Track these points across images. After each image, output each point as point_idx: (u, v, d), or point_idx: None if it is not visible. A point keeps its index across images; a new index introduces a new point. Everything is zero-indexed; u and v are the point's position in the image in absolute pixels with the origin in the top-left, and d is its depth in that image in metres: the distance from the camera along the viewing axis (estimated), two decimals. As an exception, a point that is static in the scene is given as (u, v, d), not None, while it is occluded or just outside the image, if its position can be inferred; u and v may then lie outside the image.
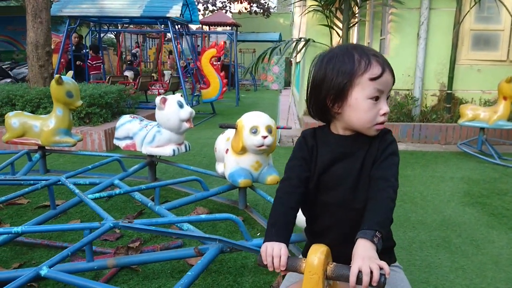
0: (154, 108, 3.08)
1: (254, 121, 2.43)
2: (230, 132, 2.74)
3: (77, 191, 2.22)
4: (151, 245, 2.36)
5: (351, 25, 5.67)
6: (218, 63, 8.09)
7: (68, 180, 2.61)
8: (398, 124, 5.43)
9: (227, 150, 2.64)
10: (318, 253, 0.85)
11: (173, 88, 8.19)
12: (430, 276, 2.07)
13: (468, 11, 5.35)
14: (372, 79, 1.05)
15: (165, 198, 3.13)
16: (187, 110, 2.97)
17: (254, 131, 2.40)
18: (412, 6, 5.62)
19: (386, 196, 1.00)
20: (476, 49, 5.71)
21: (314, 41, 5.90)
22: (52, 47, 8.01)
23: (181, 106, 2.97)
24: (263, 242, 1.01)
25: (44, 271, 1.43)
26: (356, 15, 5.69)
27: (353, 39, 5.98)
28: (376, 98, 1.05)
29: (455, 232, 2.61)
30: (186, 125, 3.01)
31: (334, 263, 0.88)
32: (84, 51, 8.84)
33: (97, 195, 2.30)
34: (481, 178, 3.79)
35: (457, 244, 2.44)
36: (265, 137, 2.39)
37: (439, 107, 5.75)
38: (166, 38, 17.13)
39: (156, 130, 3.06)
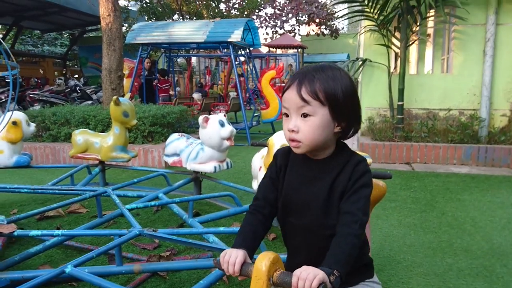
0: None
1: (284, 139, 2.49)
2: (265, 150, 2.81)
3: (117, 201, 2.42)
4: (183, 256, 2.49)
5: (410, 43, 5.53)
6: (281, 84, 8.25)
7: (116, 192, 2.85)
8: (461, 146, 5.12)
9: (260, 167, 2.72)
10: (265, 259, 0.89)
11: (234, 108, 8.49)
12: (460, 305, 1.94)
13: (541, 25, 4.96)
14: (281, 96, 1.10)
15: (207, 212, 3.27)
16: (228, 129, 3.11)
17: None
18: (476, 22, 5.35)
19: (349, 232, 0.98)
20: (552, 66, 5.24)
21: (371, 61, 5.83)
22: (127, 72, 8.82)
23: (222, 125, 3.12)
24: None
25: (68, 269, 1.61)
26: (416, 33, 5.54)
27: (412, 58, 5.81)
28: (286, 115, 1.07)
29: (501, 261, 2.41)
30: (227, 143, 3.14)
31: (281, 270, 0.91)
32: (155, 75, 9.54)
33: (133, 205, 2.49)
34: (548, 205, 3.44)
35: (500, 274, 2.25)
36: None
37: (510, 128, 5.33)
38: (237, 62, 17.79)
39: (199, 147, 3.23)
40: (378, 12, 5.52)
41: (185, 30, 7.35)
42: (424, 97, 5.71)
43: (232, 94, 12.88)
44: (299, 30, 18.60)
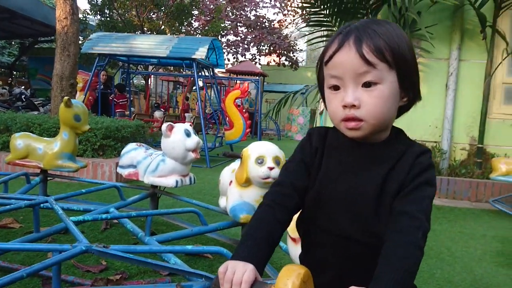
0: None
1: (261, 150, 2.21)
2: (236, 164, 2.53)
3: (60, 212, 2.02)
4: (136, 280, 2.11)
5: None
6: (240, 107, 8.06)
7: (59, 204, 2.43)
8: (424, 176, 5.08)
9: (231, 182, 2.42)
10: (292, 277, 0.61)
11: (196, 128, 8.18)
12: None
13: (500, 63, 5.13)
14: (326, 63, 0.84)
15: (164, 233, 2.90)
16: (194, 140, 2.79)
17: (260, 161, 2.16)
18: (440, 56, 5.47)
19: (410, 241, 0.73)
20: (509, 103, 5.41)
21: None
22: (81, 84, 8.29)
23: (188, 134, 2.80)
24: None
25: (-14, 292, 1.21)
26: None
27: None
28: (335, 88, 0.82)
29: (488, 294, 2.24)
30: (192, 155, 2.81)
31: None
32: (112, 89, 9.06)
33: (80, 217, 2.10)
34: (517, 238, 3.39)
35: (491, 308, 2.07)
36: (271, 169, 2.13)
37: (469, 162, 5.39)
38: (195, 87, 17.56)
39: (160, 159, 2.88)
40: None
41: (147, 44, 7.03)
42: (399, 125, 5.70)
43: (188, 115, 12.55)
44: (259, 59, 18.82)
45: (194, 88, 17.22)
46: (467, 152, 5.49)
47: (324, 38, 5.92)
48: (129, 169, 3.03)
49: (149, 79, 13.12)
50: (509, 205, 4.34)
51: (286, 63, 17.81)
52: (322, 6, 5.19)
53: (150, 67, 11.71)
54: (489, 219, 4.03)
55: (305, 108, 14.58)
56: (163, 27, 12.45)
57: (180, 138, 2.77)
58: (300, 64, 18.92)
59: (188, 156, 2.82)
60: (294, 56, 17.87)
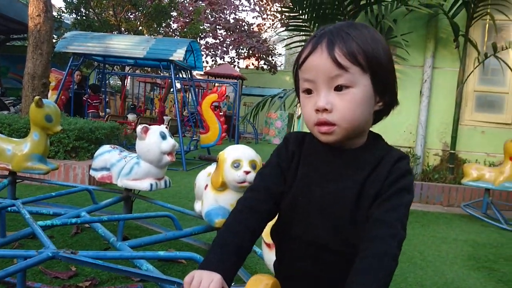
0: None
1: (237, 154, 2.16)
2: (212, 168, 2.48)
3: (27, 216, 1.95)
4: (107, 286, 2.05)
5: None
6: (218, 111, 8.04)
7: (28, 207, 2.34)
8: (398, 181, 5.17)
9: (206, 185, 2.37)
10: (260, 286, 0.58)
11: (172, 131, 8.08)
12: None
13: (472, 72, 5.28)
14: (300, 67, 0.83)
15: (137, 237, 2.82)
16: (170, 142, 2.73)
17: (237, 165, 2.11)
18: (415, 64, 5.58)
19: (384, 251, 0.72)
20: (480, 111, 5.58)
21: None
22: (54, 83, 8.07)
23: (164, 137, 2.73)
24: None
25: None
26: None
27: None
28: (308, 91, 0.81)
29: (459, 298, 2.28)
30: (167, 158, 2.75)
31: None
32: (86, 89, 8.87)
33: (48, 222, 2.02)
34: (487, 242, 3.47)
35: (461, 311, 2.10)
36: (247, 173, 2.08)
37: (442, 167, 5.52)
38: (172, 90, 17.43)
39: (134, 161, 2.81)
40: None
41: (124, 44, 6.90)
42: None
43: (166, 118, 12.40)
44: (238, 62, 18.84)
45: (171, 90, 17.09)
46: (440, 157, 5.62)
47: (303, 43, 5.96)
48: (102, 171, 2.95)
49: (126, 80, 12.90)
50: (479, 209, 4.45)
51: (265, 66, 17.86)
52: (300, 11, 5.22)
53: (127, 68, 11.54)
54: (460, 224, 4.12)
55: (283, 112, 14.63)
56: (140, 27, 12.27)
57: (155, 140, 2.70)
58: (278, 68, 18.99)
59: (163, 159, 2.75)
60: (273, 60, 17.94)
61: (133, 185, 2.81)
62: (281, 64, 22.15)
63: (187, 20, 14.71)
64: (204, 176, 2.51)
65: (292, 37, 5.91)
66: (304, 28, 5.60)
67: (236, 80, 13.24)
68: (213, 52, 16.94)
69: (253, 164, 2.15)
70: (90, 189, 2.99)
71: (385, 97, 0.84)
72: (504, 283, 2.54)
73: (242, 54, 17.74)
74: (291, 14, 5.52)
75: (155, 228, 3.05)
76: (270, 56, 17.65)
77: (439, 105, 5.56)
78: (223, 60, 17.29)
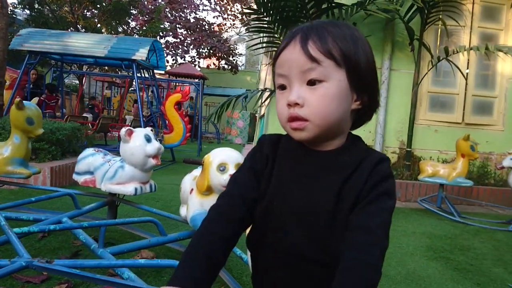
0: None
1: (223, 157, 2.10)
2: (198, 171, 2.38)
3: (3, 223, 1.90)
4: (82, 289, 2.03)
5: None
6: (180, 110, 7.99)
7: (6, 213, 2.28)
8: (359, 178, 5.39)
9: (192, 189, 2.31)
10: None
11: (134, 132, 7.97)
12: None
13: (426, 74, 5.59)
14: (274, 62, 0.80)
15: (120, 243, 2.74)
16: (155, 145, 2.65)
17: (222, 168, 2.06)
18: (374, 65, 5.81)
19: (367, 262, 0.67)
20: (433, 111, 5.92)
21: (279, 92, 5.94)
22: (8, 82, 7.72)
23: (148, 140, 2.65)
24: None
25: None
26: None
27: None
28: (282, 87, 0.77)
29: (421, 285, 2.44)
30: (153, 161, 2.66)
31: None
32: (42, 89, 8.54)
33: (25, 229, 1.97)
34: (442, 233, 3.71)
35: (423, 298, 2.26)
36: None
37: (399, 164, 5.80)
38: (132, 88, 17.07)
39: (118, 165, 2.72)
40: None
41: (84, 42, 6.73)
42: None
43: (129, 118, 12.15)
44: (199, 62, 18.74)
45: (130, 89, 16.74)
46: (397, 155, 5.90)
47: (265, 44, 6.06)
48: (86, 175, 2.85)
49: (83, 79, 12.50)
50: (434, 204, 4.73)
51: (226, 66, 17.89)
52: (265, 13, 5.31)
53: (85, 67, 11.20)
54: (417, 217, 4.36)
55: (245, 112, 14.73)
56: (99, 25, 11.93)
57: (140, 143, 2.62)
58: (239, 68, 19.07)
59: (148, 162, 2.67)
60: (234, 60, 18.00)
61: (117, 189, 2.73)
62: (242, 64, 22.26)
63: (146, 18, 14.46)
64: (189, 180, 2.45)
65: (254, 38, 6.00)
66: (268, 30, 5.70)
67: (198, 80, 13.17)
68: (174, 52, 16.75)
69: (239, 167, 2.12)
70: (72, 193, 2.91)
71: (363, 95, 0.79)
72: (459, 271, 2.74)
73: (203, 54, 17.67)
74: (255, 16, 5.61)
75: (139, 233, 2.97)
76: (231, 56, 17.70)
77: (396, 105, 5.84)
78: (184, 60, 17.14)
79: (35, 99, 2.74)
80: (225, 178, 2.04)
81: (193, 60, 18.21)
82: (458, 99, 5.85)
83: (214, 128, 14.92)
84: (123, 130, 2.62)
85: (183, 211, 2.48)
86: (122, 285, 1.59)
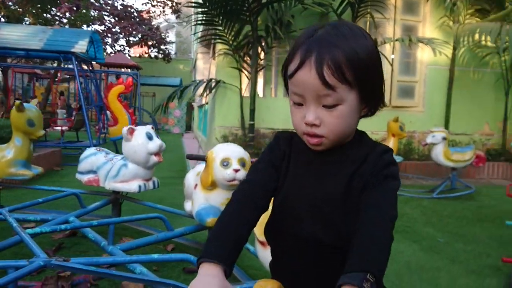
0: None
1: (226, 152, 2.17)
2: (201, 167, 2.41)
3: (15, 224, 1.99)
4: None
5: (259, 69, 6.12)
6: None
7: (15, 214, 2.35)
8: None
9: (196, 185, 2.38)
10: None
11: (78, 125, 7.78)
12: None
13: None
14: (290, 77, 0.84)
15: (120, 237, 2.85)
16: (157, 143, 2.73)
17: (226, 163, 2.12)
18: (311, 55, 6.27)
19: (379, 226, 0.75)
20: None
21: (224, 82, 6.19)
22: None
23: (150, 138, 2.73)
24: (197, 263, 0.76)
25: None
26: (263, 60, 6.17)
27: (260, 82, 6.43)
28: (298, 104, 0.84)
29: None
30: (155, 158, 2.75)
31: None
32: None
33: (37, 229, 2.07)
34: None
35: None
36: (237, 171, 2.10)
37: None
38: (57, 79, 16.18)
39: (121, 163, 2.80)
40: (233, 38, 5.96)
41: (16, 35, 6.40)
42: (270, 118, 6.34)
43: (60, 112, 11.64)
44: (129, 51, 18.19)
45: (56, 80, 15.88)
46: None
47: (212, 37, 6.27)
48: (89, 175, 2.94)
49: (6, 73, 11.69)
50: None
51: (159, 55, 17.59)
52: (210, 7, 5.52)
53: (9, 59, 10.49)
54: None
55: (181, 101, 14.66)
56: (26, 15, 11.16)
57: (142, 141, 2.70)
58: (172, 57, 18.84)
59: (150, 159, 2.75)
60: (166, 48, 17.74)
61: (121, 187, 2.81)
62: (175, 53, 21.97)
63: (70, 6, 13.74)
64: (193, 176, 2.52)
65: (185, 27, 6.15)
66: (214, 23, 5.92)
67: (135, 70, 12.91)
68: (102, 40, 16.09)
69: (242, 162, 2.16)
70: (77, 193, 2.98)
71: (370, 102, 0.86)
72: (399, 233, 3.26)
73: (133, 43, 17.19)
74: (201, 9, 5.80)
75: (145, 229, 3.06)
76: (163, 44, 17.43)
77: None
78: (113, 49, 16.57)
79: (35, 100, 2.64)
80: (228, 172, 2.10)
81: (122, 49, 17.65)
82: (387, 84, 6.51)
83: (151, 119, 14.74)
84: (125, 129, 2.70)
85: (187, 206, 2.58)
86: (137, 280, 1.72)
